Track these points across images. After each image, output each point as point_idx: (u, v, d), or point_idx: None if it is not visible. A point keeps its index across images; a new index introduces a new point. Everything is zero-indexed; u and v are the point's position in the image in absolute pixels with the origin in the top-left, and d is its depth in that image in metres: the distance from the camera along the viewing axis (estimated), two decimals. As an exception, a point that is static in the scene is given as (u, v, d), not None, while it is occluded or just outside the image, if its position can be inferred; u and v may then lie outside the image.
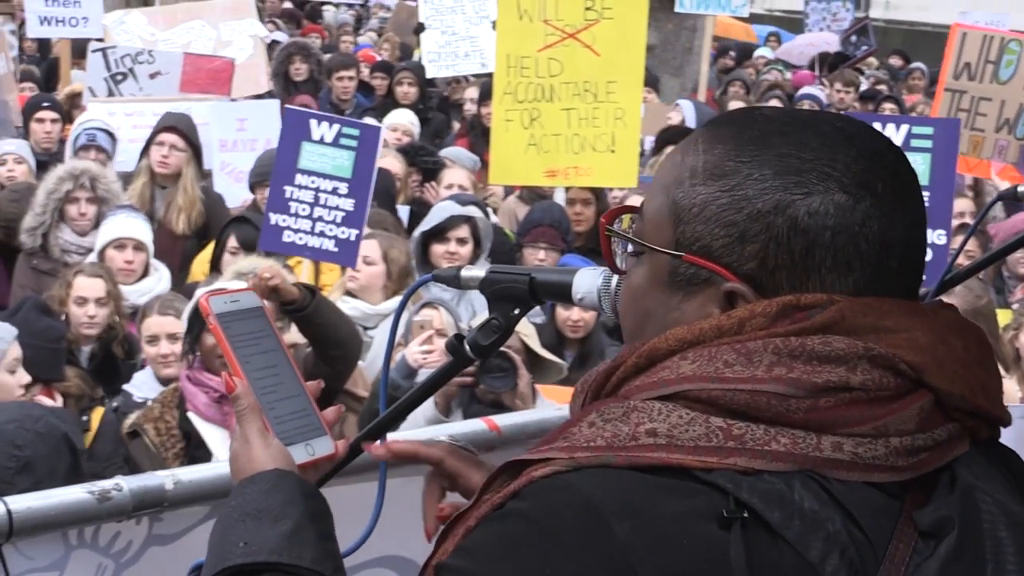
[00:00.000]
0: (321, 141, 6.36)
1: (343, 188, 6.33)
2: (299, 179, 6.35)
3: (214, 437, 4.77)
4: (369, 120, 8.76)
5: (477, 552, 1.36)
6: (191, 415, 4.79)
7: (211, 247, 7.19)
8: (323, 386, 1.76)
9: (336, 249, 6.35)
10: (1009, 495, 1.42)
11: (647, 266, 1.49)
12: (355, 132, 6.40)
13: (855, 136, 1.44)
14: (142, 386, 5.49)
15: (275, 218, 6.38)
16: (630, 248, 1.53)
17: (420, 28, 12.93)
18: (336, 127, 6.39)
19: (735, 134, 1.45)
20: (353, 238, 6.34)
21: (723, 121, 1.50)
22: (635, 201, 7.33)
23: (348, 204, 6.34)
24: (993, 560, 1.35)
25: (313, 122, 6.41)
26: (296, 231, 6.35)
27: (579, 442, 1.38)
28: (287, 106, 7.04)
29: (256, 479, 1.61)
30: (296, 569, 1.53)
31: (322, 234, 6.34)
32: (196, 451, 4.75)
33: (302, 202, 6.34)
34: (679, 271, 1.44)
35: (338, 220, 6.34)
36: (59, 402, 4.96)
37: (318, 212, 6.34)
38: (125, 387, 5.55)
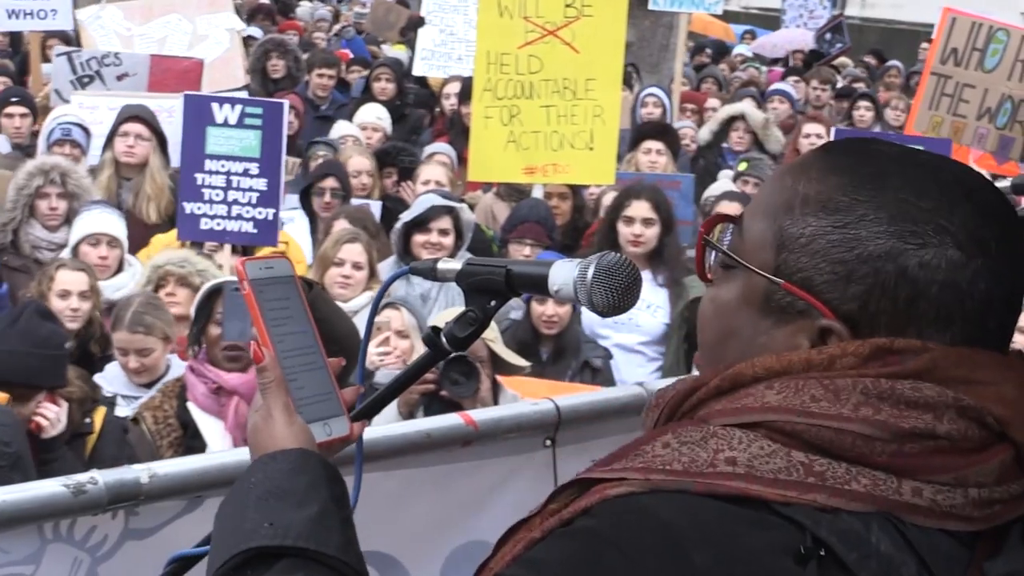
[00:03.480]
0: (225, 124, 6.31)
1: (254, 168, 6.31)
2: (208, 164, 6.31)
3: (210, 428, 4.78)
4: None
5: (544, 566, 1.32)
6: (190, 405, 4.80)
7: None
8: (344, 363, 1.75)
9: (255, 230, 6.34)
10: None
11: (740, 284, 1.47)
12: (258, 111, 6.38)
13: (974, 190, 1.42)
14: (114, 380, 5.41)
15: (190, 207, 6.34)
16: (720, 258, 1.51)
17: (420, 22, 12.87)
18: (239, 108, 6.36)
19: (852, 166, 1.43)
20: (271, 217, 6.33)
21: (839, 149, 1.48)
22: (608, 200, 7.33)
23: (261, 184, 6.32)
24: None
25: (215, 105, 6.37)
26: (213, 217, 6.33)
27: (655, 464, 1.36)
28: (186, 92, 6.96)
29: (279, 457, 1.58)
30: (322, 556, 1.50)
31: (239, 217, 6.32)
32: (192, 441, 4.75)
33: (215, 187, 6.31)
34: (774, 297, 1.43)
35: (253, 201, 6.32)
36: (64, 408, 4.76)
37: (232, 195, 6.32)
38: (96, 378, 5.42)
